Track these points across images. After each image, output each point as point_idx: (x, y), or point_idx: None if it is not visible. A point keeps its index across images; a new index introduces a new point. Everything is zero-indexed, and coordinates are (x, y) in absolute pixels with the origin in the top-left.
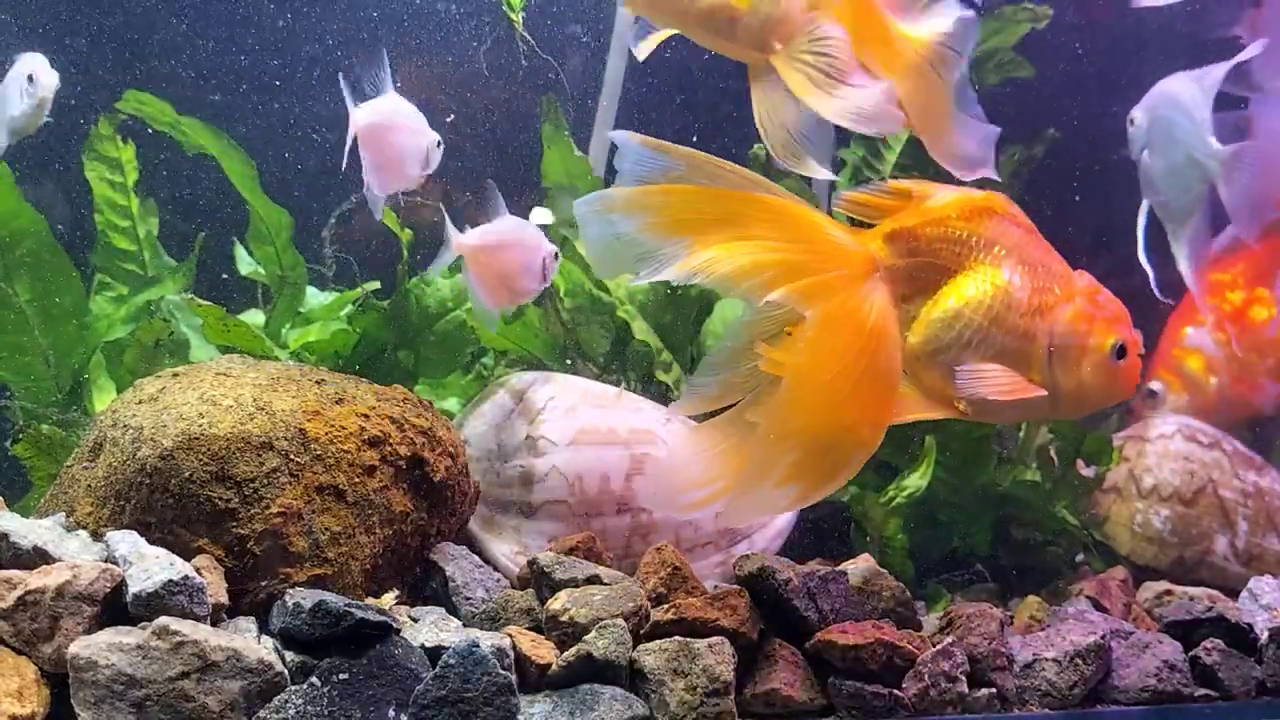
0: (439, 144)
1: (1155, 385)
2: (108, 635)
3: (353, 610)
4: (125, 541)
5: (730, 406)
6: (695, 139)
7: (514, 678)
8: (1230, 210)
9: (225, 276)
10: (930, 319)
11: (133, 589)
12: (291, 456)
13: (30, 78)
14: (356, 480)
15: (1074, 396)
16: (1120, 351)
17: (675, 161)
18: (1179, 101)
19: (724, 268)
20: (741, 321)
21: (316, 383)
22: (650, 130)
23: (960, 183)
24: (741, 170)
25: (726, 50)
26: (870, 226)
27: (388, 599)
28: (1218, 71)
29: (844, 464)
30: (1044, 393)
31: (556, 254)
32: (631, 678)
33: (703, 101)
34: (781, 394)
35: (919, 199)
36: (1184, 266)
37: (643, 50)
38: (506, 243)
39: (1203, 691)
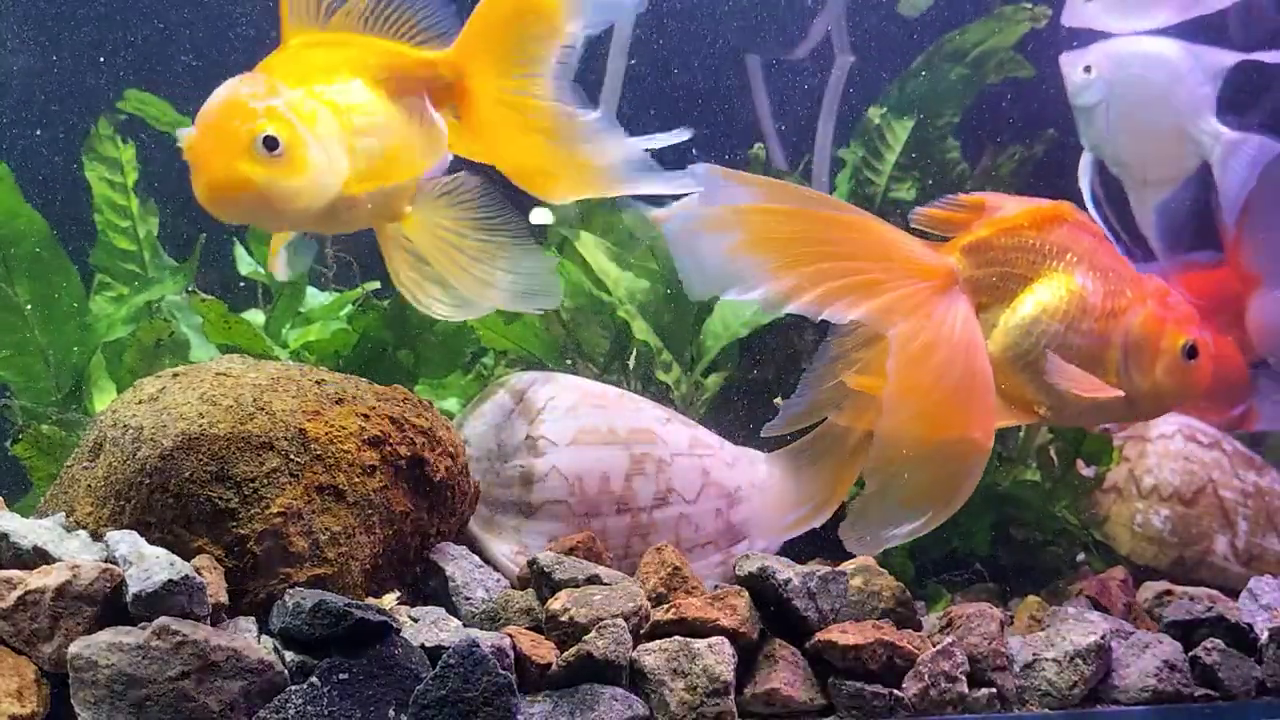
0: None
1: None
2: (108, 635)
3: (353, 610)
4: (125, 541)
5: (818, 424)
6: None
7: (514, 678)
8: (1221, 194)
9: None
10: (1009, 327)
11: (133, 589)
12: (291, 456)
13: None
14: (356, 480)
15: (1149, 397)
16: (1191, 351)
17: (754, 190)
18: (1166, 64)
19: (810, 290)
20: (830, 340)
21: (316, 383)
22: (649, 131)
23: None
24: (819, 195)
25: (359, 226)
26: (938, 238)
27: (389, 599)
28: (1228, 58)
29: (966, 472)
30: (1121, 394)
31: None
32: (631, 678)
33: (702, 101)
34: (885, 412)
35: (991, 210)
36: (1151, 233)
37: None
38: None
39: (1203, 691)
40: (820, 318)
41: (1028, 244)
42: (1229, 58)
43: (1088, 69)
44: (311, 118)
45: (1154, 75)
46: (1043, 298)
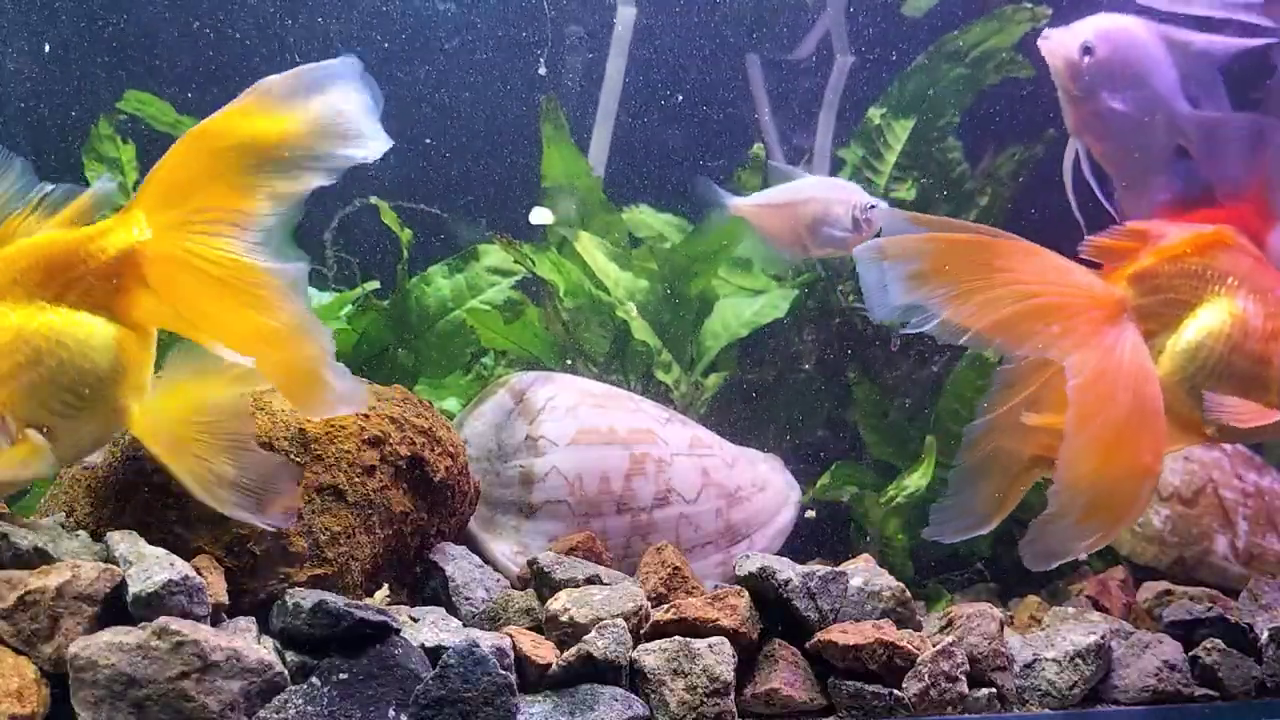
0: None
1: None
2: (108, 635)
3: (353, 610)
4: (125, 541)
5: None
6: (694, 138)
7: (514, 678)
8: (1214, 182)
9: None
10: (1174, 352)
11: (133, 589)
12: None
13: None
14: (356, 480)
15: None
16: None
17: (930, 227)
18: (1148, 45)
19: (985, 320)
20: (1002, 370)
21: None
22: (650, 129)
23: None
24: (991, 228)
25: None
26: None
27: (379, 596)
28: (1193, 38)
29: (1137, 495)
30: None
31: (874, 205)
32: (631, 678)
33: (702, 100)
34: (1066, 440)
35: (1154, 238)
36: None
37: None
38: (789, 201)
39: (1203, 691)
40: (994, 349)
41: (1191, 270)
42: (1195, 38)
43: (1088, 50)
44: None
45: (1140, 56)
46: (1206, 322)
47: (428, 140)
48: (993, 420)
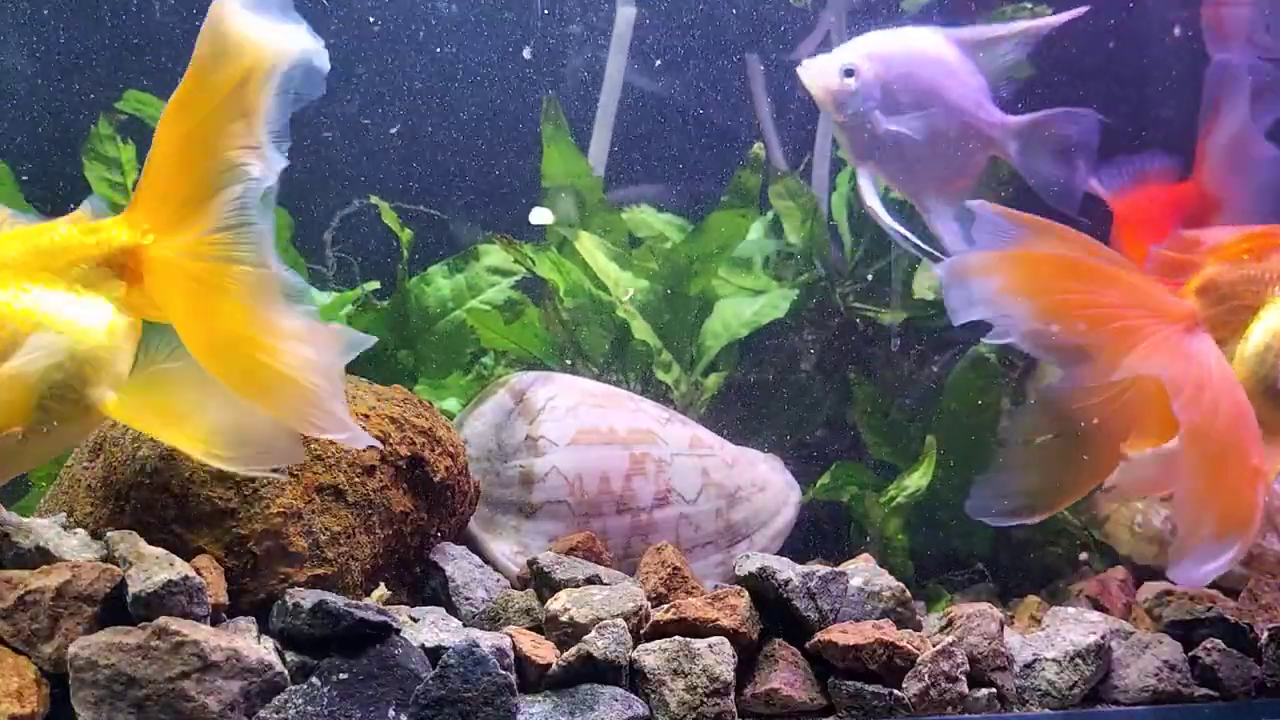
0: None
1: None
2: (107, 635)
3: (353, 610)
4: (125, 541)
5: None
6: (694, 140)
7: (514, 678)
8: (1039, 188)
9: None
10: (1244, 357)
11: (132, 589)
12: None
13: None
14: (356, 480)
15: None
16: None
17: (1023, 228)
18: (933, 57)
19: (1070, 336)
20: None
21: None
22: (649, 129)
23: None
24: (1075, 234)
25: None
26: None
27: (377, 595)
28: (996, 36)
29: (1255, 499)
30: None
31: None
32: (631, 678)
33: (701, 100)
34: (1183, 457)
35: (1211, 248)
36: (955, 245)
37: None
38: None
39: (1203, 691)
40: (1074, 365)
41: (1250, 275)
42: (997, 36)
43: (849, 73)
44: None
45: (924, 71)
46: (1270, 324)
47: (428, 140)
48: (1053, 405)
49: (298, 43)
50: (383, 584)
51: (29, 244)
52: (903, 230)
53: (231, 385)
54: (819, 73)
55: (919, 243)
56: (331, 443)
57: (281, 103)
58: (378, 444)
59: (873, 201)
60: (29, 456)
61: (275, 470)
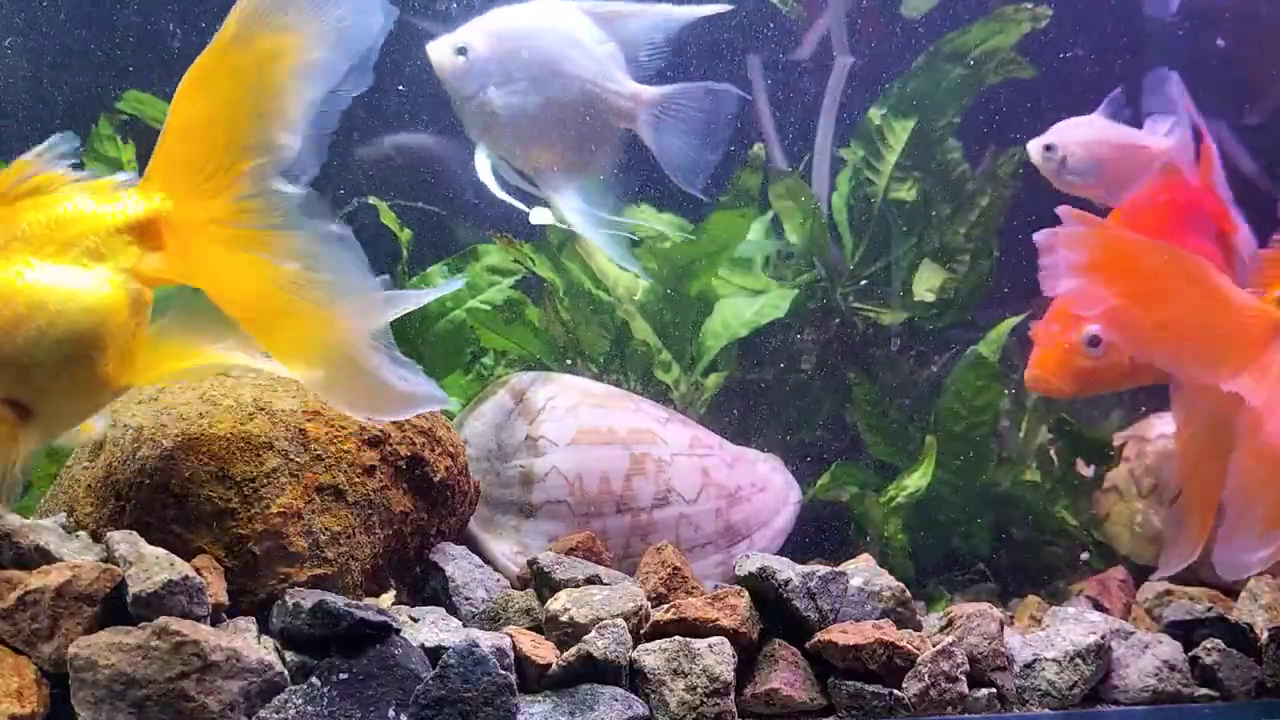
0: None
1: (1095, 330)
2: (108, 635)
3: (353, 610)
4: (125, 542)
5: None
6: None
7: (514, 678)
8: (666, 165)
9: None
10: None
11: (133, 589)
12: (291, 456)
13: None
14: (356, 480)
15: None
16: None
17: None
18: (551, 29)
19: (1160, 345)
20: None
21: None
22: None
23: None
24: (1167, 246)
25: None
26: None
27: (386, 599)
28: (625, 6)
29: None
30: None
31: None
32: (631, 678)
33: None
34: (1244, 456)
35: None
36: (588, 231)
37: None
38: None
39: (1203, 691)
40: (1165, 369)
41: None
42: (633, 11)
43: (462, 50)
44: None
45: (541, 43)
46: None
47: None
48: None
49: (338, 26)
50: (392, 589)
51: (47, 213)
52: (520, 205)
53: (276, 352)
54: (436, 50)
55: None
56: (331, 442)
57: (318, 85)
58: (445, 399)
59: (486, 177)
60: (37, 435)
61: (278, 464)
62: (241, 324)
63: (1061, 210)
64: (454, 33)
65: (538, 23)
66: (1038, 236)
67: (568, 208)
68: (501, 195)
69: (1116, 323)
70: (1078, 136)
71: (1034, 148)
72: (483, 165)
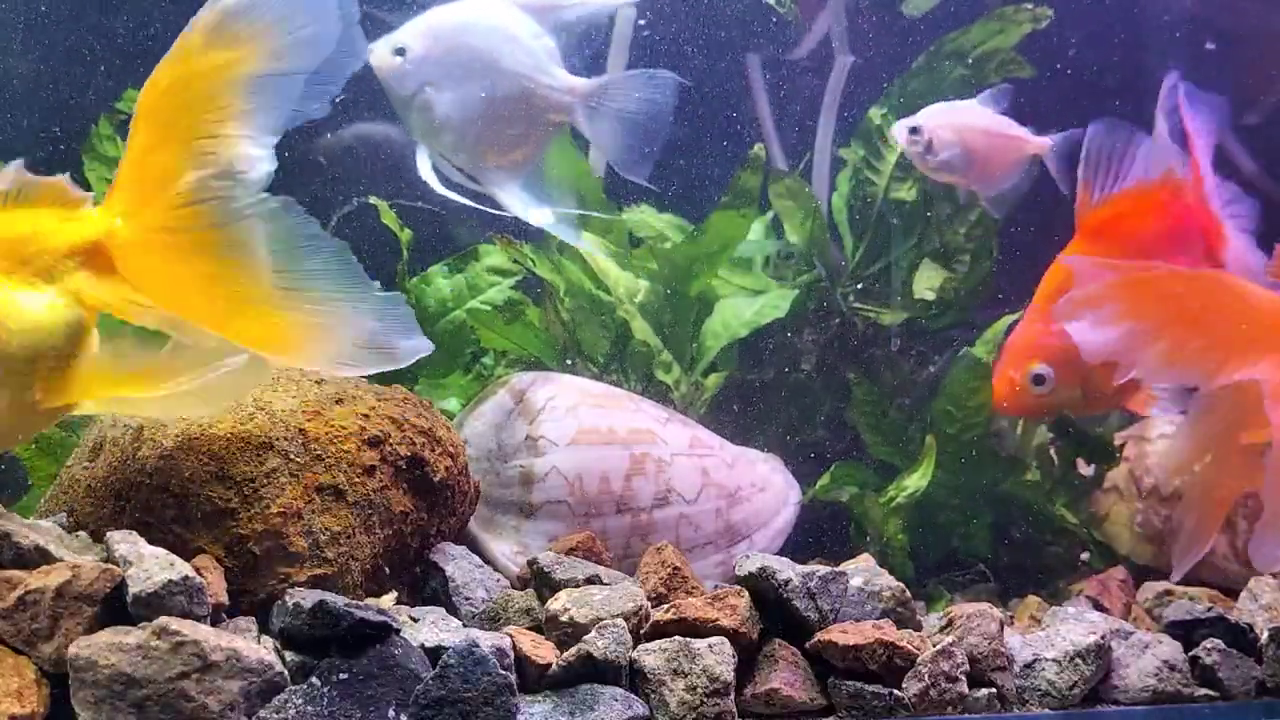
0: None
1: (1040, 369)
2: (108, 635)
3: (353, 610)
4: (125, 542)
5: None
6: (693, 139)
7: (514, 678)
8: (607, 155)
9: None
10: None
11: (133, 589)
12: (291, 456)
13: None
14: (356, 480)
15: None
16: None
17: (1119, 271)
18: (488, 26)
19: (1184, 351)
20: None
21: (316, 383)
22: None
23: None
24: (1181, 270)
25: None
26: None
27: (387, 600)
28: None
29: None
30: None
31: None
32: (631, 678)
33: (700, 102)
34: (1275, 451)
35: None
36: (540, 221)
37: None
38: None
39: (1203, 691)
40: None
41: None
42: (564, 4)
43: (400, 51)
44: None
45: (477, 41)
46: None
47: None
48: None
49: (295, 41)
50: (395, 592)
51: (9, 229)
52: (465, 200)
53: (242, 342)
54: (375, 54)
55: (484, 209)
56: (331, 442)
57: (277, 99)
58: (429, 346)
59: (428, 176)
60: None
61: (278, 464)
62: (216, 330)
63: (1072, 261)
64: (391, 34)
65: (474, 20)
66: (1058, 307)
67: (511, 202)
68: (445, 193)
69: (1158, 367)
70: (947, 121)
71: (899, 129)
72: (424, 164)
